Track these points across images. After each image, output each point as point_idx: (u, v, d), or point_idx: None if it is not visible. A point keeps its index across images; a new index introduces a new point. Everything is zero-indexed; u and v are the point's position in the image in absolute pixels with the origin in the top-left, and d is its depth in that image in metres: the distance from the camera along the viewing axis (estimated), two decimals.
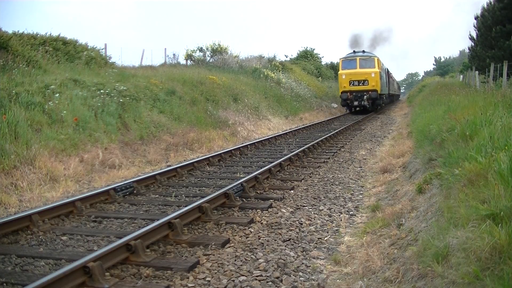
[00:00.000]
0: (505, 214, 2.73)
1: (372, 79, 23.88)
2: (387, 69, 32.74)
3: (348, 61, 24.86)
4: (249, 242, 4.37)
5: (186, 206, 5.07)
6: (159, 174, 7.29)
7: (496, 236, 2.48)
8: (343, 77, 24.39)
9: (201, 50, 26.79)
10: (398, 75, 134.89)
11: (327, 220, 5.24)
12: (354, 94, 24.11)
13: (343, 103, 25.19)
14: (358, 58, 24.61)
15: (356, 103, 24.28)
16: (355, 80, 24.08)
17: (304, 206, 5.79)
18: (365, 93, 23.91)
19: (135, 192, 6.48)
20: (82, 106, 9.96)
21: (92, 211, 5.57)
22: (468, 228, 2.83)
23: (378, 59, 25.21)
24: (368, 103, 24.11)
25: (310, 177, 7.61)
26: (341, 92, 24.62)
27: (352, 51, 26.33)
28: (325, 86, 33.93)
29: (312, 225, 5.02)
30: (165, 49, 53.42)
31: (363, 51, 25.92)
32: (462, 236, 2.77)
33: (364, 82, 23.95)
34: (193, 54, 26.49)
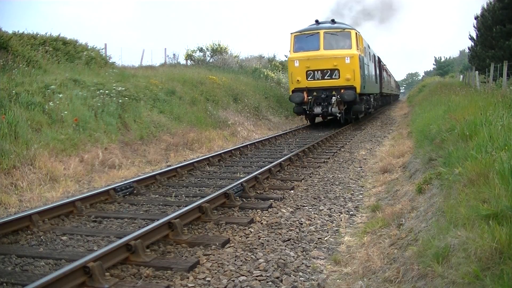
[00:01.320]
0: (505, 214, 2.73)
1: (346, 68, 14.62)
2: (378, 57, 23.64)
3: (306, 37, 15.29)
4: (249, 242, 4.37)
5: (186, 206, 5.07)
6: (159, 174, 7.29)
7: (497, 236, 2.48)
8: (296, 64, 15.00)
9: (201, 50, 26.83)
10: (398, 75, 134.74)
11: (327, 220, 5.24)
12: (315, 94, 14.98)
13: (297, 110, 15.68)
14: (322, 32, 14.98)
15: (318, 109, 15.06)
16: (317, 70, 14.81)
17: (304, 206, 5.78)
18: (334, 92, 14.80)
19: (135, 192, 6.48)
20: (82, 106, 9.96)
21: (92, 211, 5.56)
22: (469, 228, 2.83)
23: (357, 34, 15.72)
24: (339, 110, 14.94)
25: (310, 177, 7.61)
26: (292, 91, 15.26)
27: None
28: None
29: (312, 225, 5.01)
30: (165, 49, 53.48)
31: (332, 21, 15.77)
32: (463, 236, 2.77)
33: (332, 73, 14.75)
34: (193, 54, 26.52)
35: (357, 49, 15.19)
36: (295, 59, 15.14)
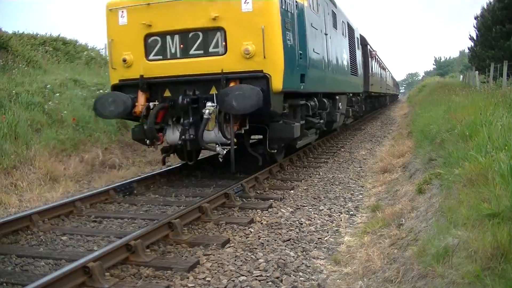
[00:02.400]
0: (506, 214, 2.73)
1: (242, 26, 5.67)
2: (361, 35, 16.06)
3: None
4: (249, 242, 4.36)
5: (186, 206, 5.07)
6: (159, 174, 7.28)
7: (498, 235, 2.48)
8: (122, 20, 6.24)
9: None
10: (398, 75, 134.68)
11: (327, 220, 5.23)
12: (167, 96, 6.21)
13: (137, 134, 6.65)
14: None
15: (175, 134, 6.22)
16: (171, 34, 6.09)
17: (304, 206, 5.78)
18: (214, 91, 5.87)
19: (135, 192, 6.48)
20: (82, 106, 9.97)
21: (92, 211, 5.56)
22: (469, 227, 2.83)
23: None
24: (224, 138, 5.92)
25: (310, 177, 7.60)
26: (113, 87, 6.46)
27: None
28: None
29: (312, 225, 5.01)
30: None
31: None
32: (463, 235, 2.77)
33: (207, 40, 5.94)
34: None
35: None
36: (120, 9, 6.38)
